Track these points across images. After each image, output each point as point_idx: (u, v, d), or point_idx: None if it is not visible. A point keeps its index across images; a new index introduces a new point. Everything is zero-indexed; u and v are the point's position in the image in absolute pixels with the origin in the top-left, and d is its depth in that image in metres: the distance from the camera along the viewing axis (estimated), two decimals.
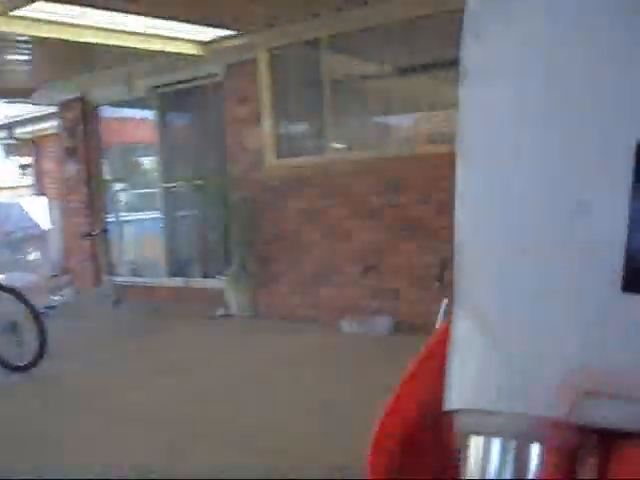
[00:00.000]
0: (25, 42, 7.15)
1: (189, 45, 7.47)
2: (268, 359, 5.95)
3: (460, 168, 0.59)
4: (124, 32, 6.83)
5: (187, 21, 5.94)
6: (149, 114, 9.26)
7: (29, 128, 13.02)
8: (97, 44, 6.90)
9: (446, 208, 6.36)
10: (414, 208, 6.62)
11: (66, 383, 5.56)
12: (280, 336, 6.75)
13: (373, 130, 7.29)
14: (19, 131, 13.39)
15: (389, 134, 7.27)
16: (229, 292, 7.85)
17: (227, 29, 6.31)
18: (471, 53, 0.59)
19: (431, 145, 6.55)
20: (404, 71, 6.87)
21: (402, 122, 7.21)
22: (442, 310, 5.18)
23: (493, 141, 0.57)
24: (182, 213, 9.13)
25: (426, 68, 6.72)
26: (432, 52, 6.55)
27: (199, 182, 8.21)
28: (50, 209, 10.63)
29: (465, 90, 0.59)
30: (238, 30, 6.46)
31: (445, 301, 5.21)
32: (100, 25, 6.58)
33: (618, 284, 0.51)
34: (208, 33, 6.92)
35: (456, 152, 0.60)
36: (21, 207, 10.45)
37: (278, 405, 4.66)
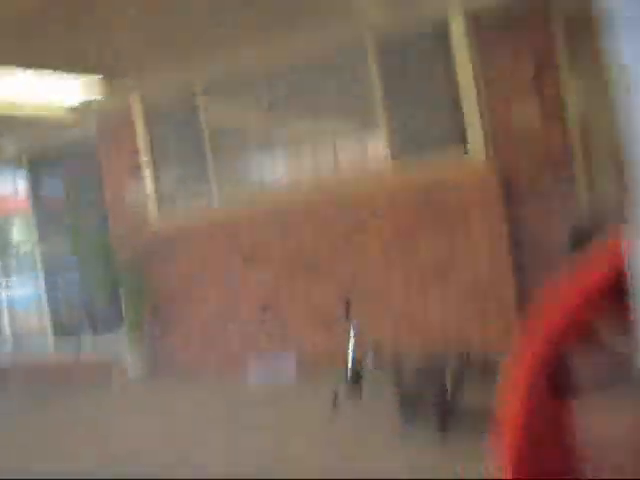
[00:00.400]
0: None
1: (58, 108, 7.10)
2: (169, 425, 5.66)
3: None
4: None
5: (55, 68, 5.70)
6: (20, 182, 8.80)
7: None
8: None
9: (337, 248, 6.34)
10: (307, 249, 6.56)
11: None
12: (181, 395, 6.44)
13: (257, 173, 7.20)
14: None
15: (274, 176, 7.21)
16: (123, 354, 7.44)
17: (98, 74, 6.09)
18: None
19: (318, 185, 6.56)
20: (279, 111, 6.90)
21: (285, 163, 7.16)
22: (350, 349, 5.14)
23: None
24: (65, 278, 8.61)
25: (301, 106, 6.79)
26: (306, 93, 6.62)
27: (81, 244, 7.81)
28: None
29: None
30: (109, 79, 6.26)
31: (352, 342, 5.15)
32: None
33: None
34: (78, 88, 6.61)
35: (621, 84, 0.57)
36: None
37: None
